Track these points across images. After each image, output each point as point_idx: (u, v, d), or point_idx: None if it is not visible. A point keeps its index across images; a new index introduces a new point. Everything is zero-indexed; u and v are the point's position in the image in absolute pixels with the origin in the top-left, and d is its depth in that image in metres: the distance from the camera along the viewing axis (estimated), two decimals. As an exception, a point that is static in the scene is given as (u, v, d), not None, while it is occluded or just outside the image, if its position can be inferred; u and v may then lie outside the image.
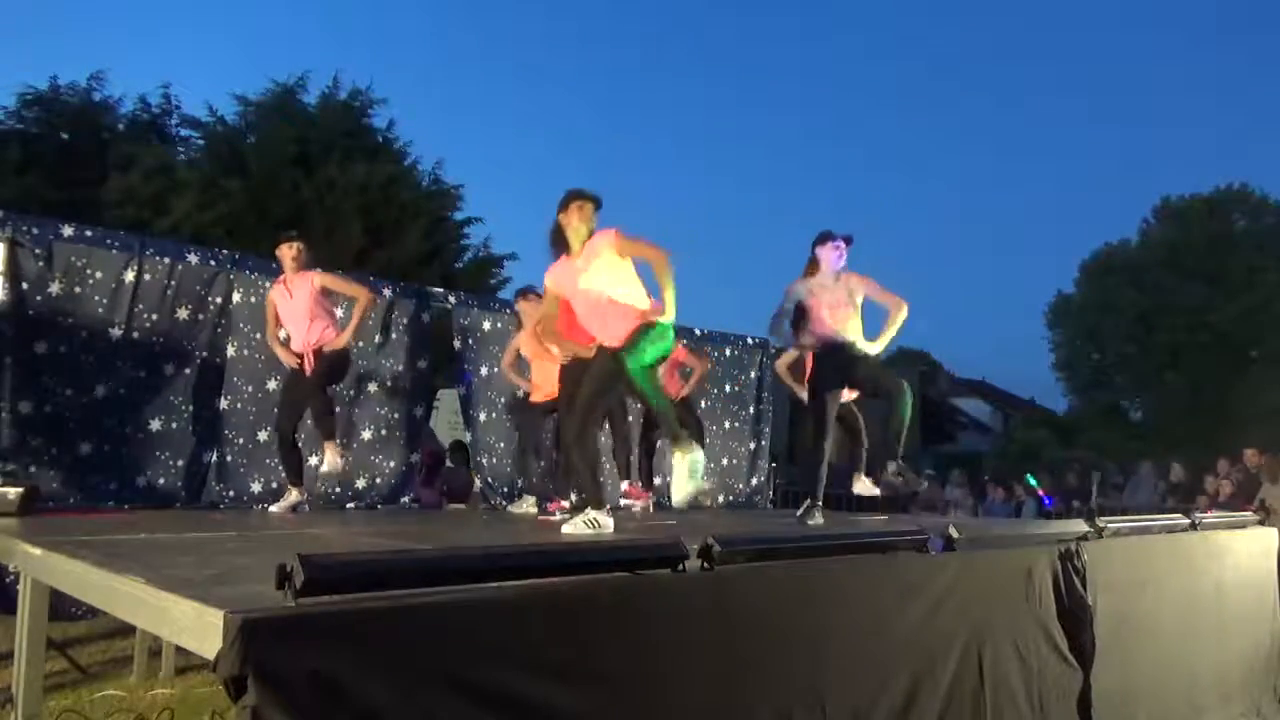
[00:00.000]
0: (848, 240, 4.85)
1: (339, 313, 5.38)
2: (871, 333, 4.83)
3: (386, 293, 6.20)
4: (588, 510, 3.79)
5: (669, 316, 3.82)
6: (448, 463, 8.18)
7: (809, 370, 5.26)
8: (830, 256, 4.82)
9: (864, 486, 5.51)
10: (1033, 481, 11.64)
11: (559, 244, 4.03)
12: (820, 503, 4.93)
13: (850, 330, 4.77)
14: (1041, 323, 28.20)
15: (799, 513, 4.84)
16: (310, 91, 14.33)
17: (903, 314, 4.78)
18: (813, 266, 4.87)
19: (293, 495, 5.06)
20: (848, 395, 5.31)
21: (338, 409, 5.45)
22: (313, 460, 5.47)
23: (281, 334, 5.26)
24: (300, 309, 5.05)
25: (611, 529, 3.70)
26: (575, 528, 3.69)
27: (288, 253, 5.10)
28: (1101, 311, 26.18)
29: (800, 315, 4.87)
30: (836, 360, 4.80)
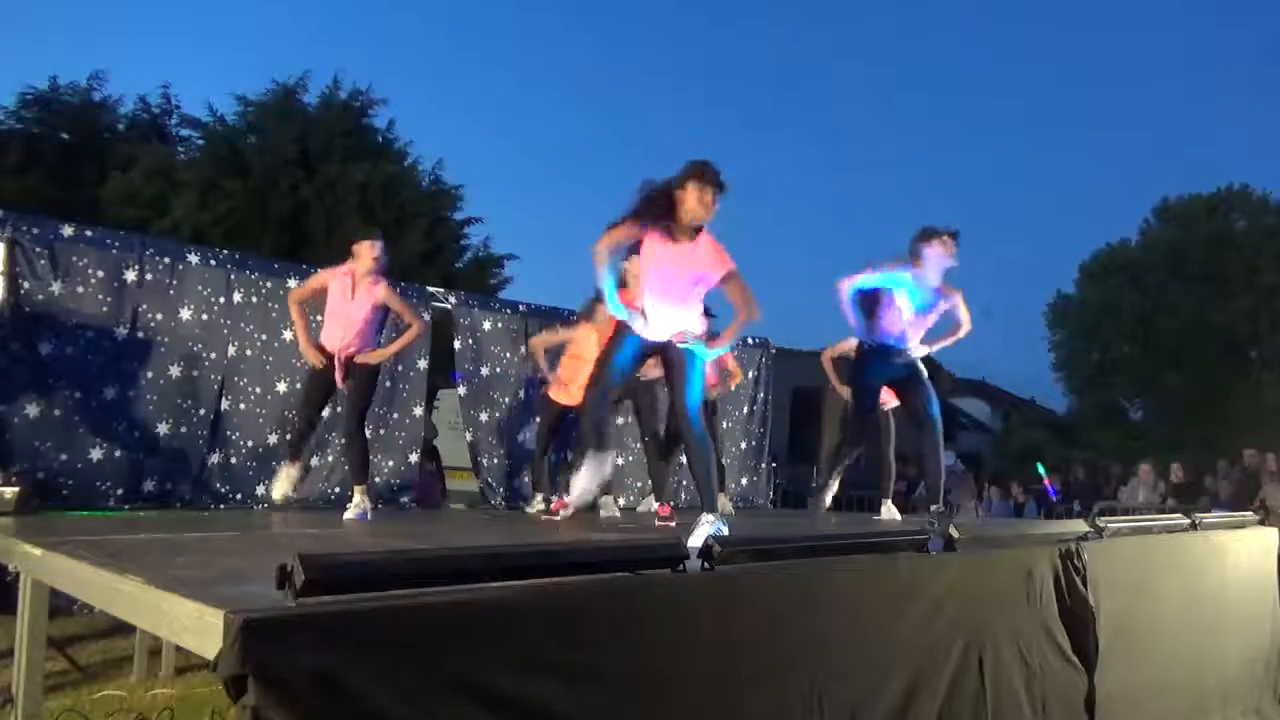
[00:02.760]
0: (954, 235, 4.48)
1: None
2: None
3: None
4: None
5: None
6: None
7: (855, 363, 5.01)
8: (937, 254, 4.46)
9: (889, 512, 5.44)
10: (1042, 470, 11.60)
11: (657, 214, 3.39)
12: (830, 484, 4.90)
13: (915, 336, 4.57)
14: (1041, 323, 28.27)
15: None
16: (310, 91, 14.36)
17: (963, 334, 4.63)
18: (915, 262, 4.51)
19: (293, 470, 4.91)
20: (888, 399, 5.19)
21: (339, 408, 5.43)
22: (316, 461, 5.46)
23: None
24: (356, 312, 4.74)
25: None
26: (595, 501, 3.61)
27: (370, 251, 4.74)
28: (1101, 311, 26.18)
29: (872, 304, 4.59)
30: (887, 359, 4.61)
